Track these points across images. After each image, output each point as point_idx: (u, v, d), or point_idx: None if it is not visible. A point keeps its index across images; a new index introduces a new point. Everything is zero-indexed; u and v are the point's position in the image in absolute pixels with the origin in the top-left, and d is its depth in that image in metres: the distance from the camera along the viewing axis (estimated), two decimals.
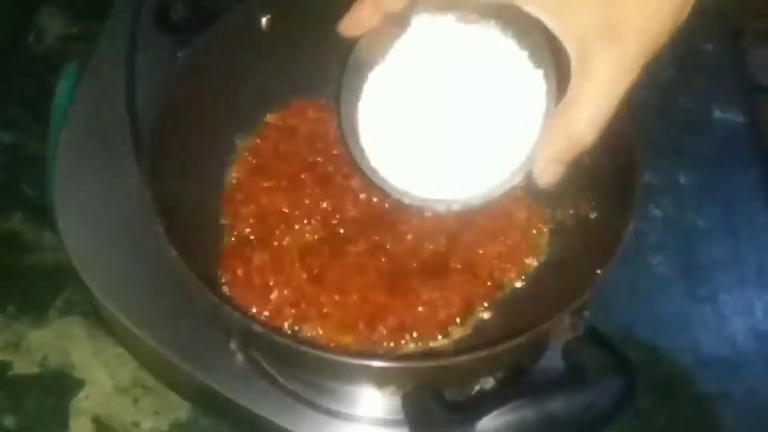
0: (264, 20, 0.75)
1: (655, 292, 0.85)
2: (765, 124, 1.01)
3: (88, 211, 0.75)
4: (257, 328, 0.55)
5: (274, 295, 0.68)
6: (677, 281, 0.86)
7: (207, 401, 0.73)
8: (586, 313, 0.57)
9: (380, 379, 0.55)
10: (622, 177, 0.66)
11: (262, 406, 0.67)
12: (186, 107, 0.70)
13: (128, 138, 0.79)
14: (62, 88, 0.85)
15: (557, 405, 0.52)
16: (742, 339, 0.82)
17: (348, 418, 0.67)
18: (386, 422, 0.67)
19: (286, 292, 0.69)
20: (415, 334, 0.68)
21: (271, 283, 0.69)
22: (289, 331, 0.68)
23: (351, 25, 0.55)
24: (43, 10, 1.03)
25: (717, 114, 1.00)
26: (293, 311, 0.68)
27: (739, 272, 0.87)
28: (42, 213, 0.83)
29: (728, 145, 0.97)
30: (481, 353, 0.54)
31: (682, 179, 0.94)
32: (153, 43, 0.84)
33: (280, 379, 0.68)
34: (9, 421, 0.73)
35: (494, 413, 0.50)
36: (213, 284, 0.67)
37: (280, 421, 0.66)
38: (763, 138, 0.99)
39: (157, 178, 0.63)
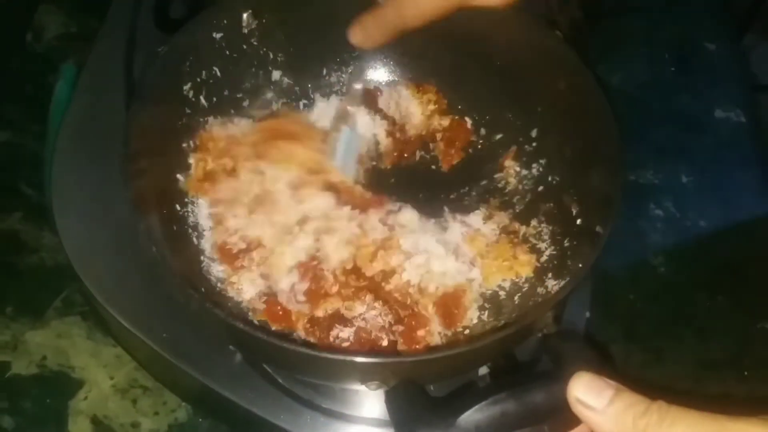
0: (245, 16, 0.74)
1: (656, 293, 0.84)
2: (767, 124, 1.01)
3: (87, 212, 0.75)
4: (236, 323, 0.54)
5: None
6: (679, 281, 0.85)
7: (206, 402, 0.72)
8: (588, 314, 0.57)
9: (364, 374, 0.55)
10: (605, 170, 0.64)
11: (262, 406, 0.66)
12: (167, 102, 0.68)
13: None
14: (60, 87, 0.85)
15: (538, 398, 0.51)
16: (744, 340, 0.82)
17: (347, 418, 0.67)
18: (386, 423, 0.67)
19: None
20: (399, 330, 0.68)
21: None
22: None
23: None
24: (42, 9, 1.03)
25: (719, 113, 1.00)
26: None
27: (741, 273, 0.87)
28: (41, 213, 0.82)
29: (730, 144, 0.97)
30: (463, 348, 0.54)
31: (684, 179, 0.93)
32: (152, 42, 0.84)
33: (280, 380, 0.68)
34: (7, 422, 0.72)
35: (476, 407, 0.50)
36: (204, 283, 0.67)
37: (280, 421, 0.66)
38: (764, 137, 0.98)
39: (136, 177, 0.61)
